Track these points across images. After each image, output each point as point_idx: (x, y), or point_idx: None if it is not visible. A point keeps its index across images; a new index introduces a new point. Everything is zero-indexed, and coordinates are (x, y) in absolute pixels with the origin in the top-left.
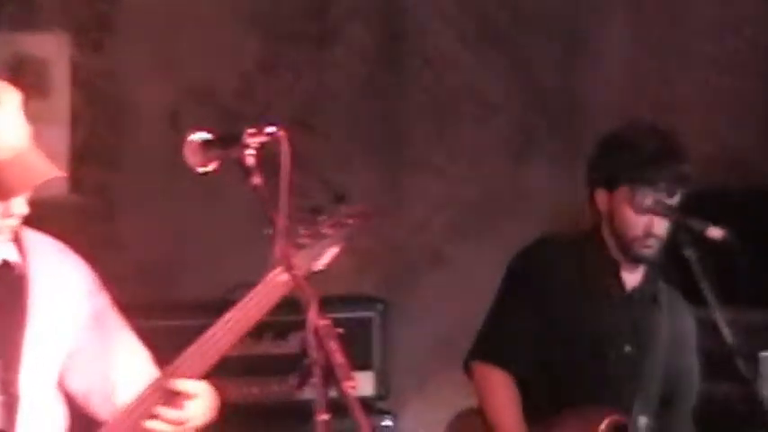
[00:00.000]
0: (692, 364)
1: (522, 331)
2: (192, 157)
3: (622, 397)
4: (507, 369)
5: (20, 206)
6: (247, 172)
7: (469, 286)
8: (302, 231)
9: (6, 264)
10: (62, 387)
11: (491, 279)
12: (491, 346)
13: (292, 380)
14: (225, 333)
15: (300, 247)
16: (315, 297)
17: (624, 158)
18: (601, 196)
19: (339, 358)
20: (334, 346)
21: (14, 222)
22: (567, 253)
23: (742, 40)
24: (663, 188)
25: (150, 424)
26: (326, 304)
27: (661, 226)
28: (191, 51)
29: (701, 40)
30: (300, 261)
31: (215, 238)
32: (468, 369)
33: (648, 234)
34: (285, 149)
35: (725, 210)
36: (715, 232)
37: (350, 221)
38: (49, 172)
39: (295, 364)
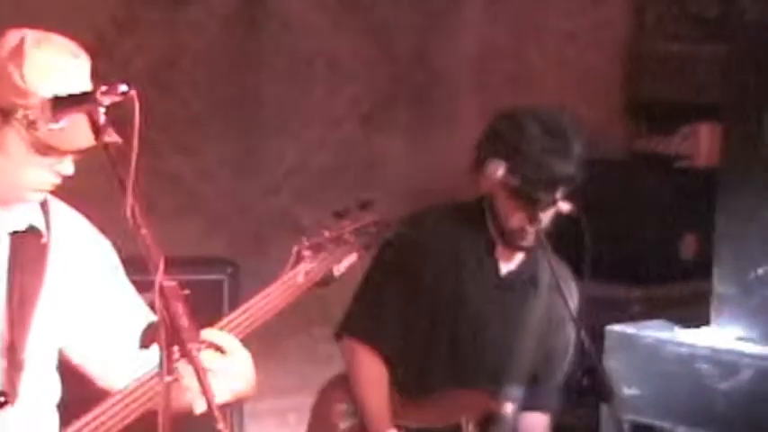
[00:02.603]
0: (567, 341)
1: (391, 309)
2: (43, 114)
3: (489, 379)
4: (376, 347)
5: (68, 166)
6: (98, 130)
7: None
8: (325, 234)
9: (32, 229)
10: (63, 360)
11: None
12: (361, 322)
13: (140, 340)
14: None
15: (322, 249)
16: (161, 258)
17: (509, 147)
18: (483, 176)
19: (184, 321)
20: (180, 307)
21: (58, 181)
22: (443, 229)
23: (599, 16)
24: (541, 184)
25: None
26: (176, 266)
27: (537, 220)
28: (46, 8)
29: (557, 15)
30: (320, 264)
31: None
32: (338, 340)
33: (522, 229)
34: (137, 109)
35: (578, 184)
36: (564, 206)
37: (372, 229)
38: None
39: None
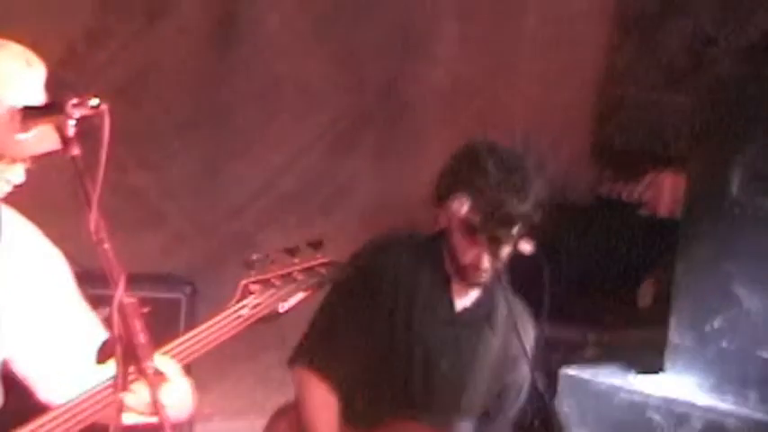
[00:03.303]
0: (520, 379)
1: (345, 339)
2: (12, 123)
3: (440, 413)
4: (327, 377)
5: (19, 174)
6: (66, 142)
7: None
8: (275, 271)
9: None
10: (7, 369)
11: None
12: (313, 352)
13: (96, 355)
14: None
15: (270, 286)
16: (123, 274)
17: (467, 182)
18: (444, 210)
19: (141, 337)
20: (137, 324)
21: (8, 189)
22: (400, 262)
23: (570, 58)
24: (497, 220)
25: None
26: (135, 282)
27: (493, 257)
28: (16, 16)
29: (528, 55)
30: (267, 300)
31: (31, 207)
32: (291, 368)
33: (477, 266)
34: (106, 123)
35: (540, 225)
36: (525, 246)
37: (322, 270)
38: (55, 144)
39: None
